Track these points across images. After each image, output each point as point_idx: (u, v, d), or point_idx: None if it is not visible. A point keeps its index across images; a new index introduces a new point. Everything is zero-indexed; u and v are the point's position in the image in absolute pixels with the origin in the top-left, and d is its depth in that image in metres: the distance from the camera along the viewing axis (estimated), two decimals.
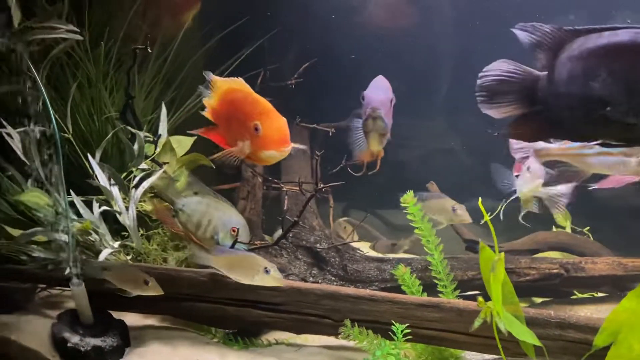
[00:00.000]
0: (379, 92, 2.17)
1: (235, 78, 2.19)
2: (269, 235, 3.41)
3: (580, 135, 1.90)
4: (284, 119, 2.08)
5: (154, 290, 2.40)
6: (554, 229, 3.39)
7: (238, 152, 2.15)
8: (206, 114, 2.26)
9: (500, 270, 1.97)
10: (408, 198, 2.74)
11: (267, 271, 2.33)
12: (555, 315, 2.29)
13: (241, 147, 2.12)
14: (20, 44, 2.22)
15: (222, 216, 2.52)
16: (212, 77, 2.22)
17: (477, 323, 1.96)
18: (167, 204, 2.60)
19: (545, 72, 1.85)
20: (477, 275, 2.98)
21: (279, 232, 3.56)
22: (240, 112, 2.13)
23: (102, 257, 2.45)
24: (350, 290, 2.48)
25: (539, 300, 3.18)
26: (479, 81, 1.91)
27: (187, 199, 2.60)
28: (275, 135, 2.06)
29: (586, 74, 1.73)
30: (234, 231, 2.48)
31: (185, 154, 3.02)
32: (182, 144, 3.03)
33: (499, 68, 1.88)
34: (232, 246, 2.51)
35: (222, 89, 2.19)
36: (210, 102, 2.24)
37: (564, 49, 1.79)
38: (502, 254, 1.98)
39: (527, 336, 2.10)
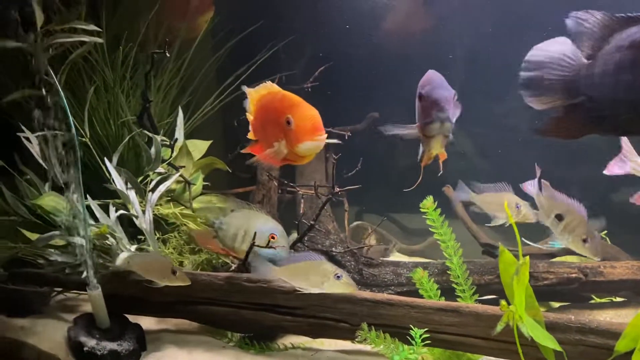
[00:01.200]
0: (442, 90, 1.92)
1: (264, 82, 2.15)
2: None
3: (626, 130, 1.78)
4: (315, 110, 2.02)
5: (181, 280, 2.37)
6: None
7: (275, 153, 2.09)
8: (250, 133, 2.22)
9: (525, 274, 1.95)
10: (428, 203, 2.73)
11: (338, 277, 2.24)
12: (576, 320, 2.26)
13: (277, 148, 2.07)
14: (40, 49, 2.23)
15: (258, 225, 2.48)
16: (247, 90, 2.18)
17: (500, 327, 1.94)
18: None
19: (591, 61, 1.71)
20: (494, 280, 2.96)
21: (293, 235, 3.56)
22: (272, 112, 2.09)
23: (118, 261, 2.45)
24: (367, 294, 2.47)
25: (556, 304, 3.15)
26: (523, 64, 1.77)
27: (222, 218, 2.55)
28: (308, 124, 1.98)
29: (635, 65, 1.60)
30: (272, 238, 2.44)
31: (201, 158, 3.03)
32: (198, 147, 3.04)
33: (547, 49, 1.74)
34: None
35: (255, 98, 2.16)
36: (250, 117, 2.20)
37: (612, 37, 1.67)
38: (527, 257, 1.96)
39: (548, 341, 2.07)
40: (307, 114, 2.00)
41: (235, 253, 2.49)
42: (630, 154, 2.31)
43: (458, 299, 2.72)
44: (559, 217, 2.11)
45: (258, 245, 2.47)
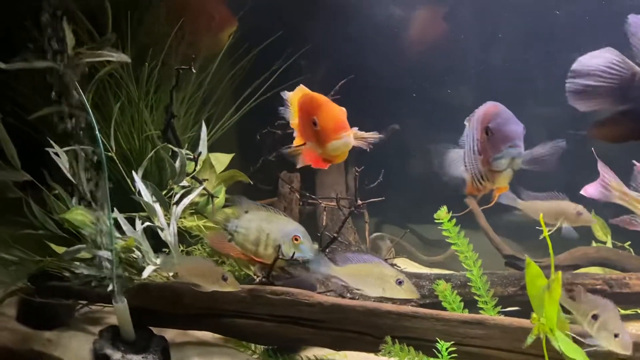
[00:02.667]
0: (513, 125, 1.87)
1: (298, 86, 2.19)
2: None
3: None
4: (342, 108, 2.03)
5: (232, 286, 2.35)
6: (594, 244, 3.33)
7: (307, 148, 2.14)
8: (296, 138, 2.24)
9: (557, 288, 1.94)
10: (442, 214, 2.73)
11: (399, 282, 2.22)
12: None
13: (309, 148, 2.11)
14: (70, 68, 2.27)
15: (280, 227, 2.41)
16: (287, 94, 2.20)
17: (530, 340, 1.94)
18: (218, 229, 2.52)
19: None
20: (517, 292, 2.95)
21: (314, 246, 3.57)
22: (305, 114, 2.12)
23: (145, 274, 2.48)
24: (391, 306, 2.46)
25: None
26: (573, 66, 1.77)
27: (238, 220, 2.49)
28: (331, 124, 2.00)
29: None
30: (296, 239, 2.38)
31: (223, 171, 3.06)
32: (221, 160, 3.07)
33: (600, 56, 1.75)
34: (292, 256, 2.42)
35: (294, 102, 2.18)
36: (294, 122, 2.22)
37: None
38: (559, 272, 1.95)
39: (577, 354, 2.06)
40: (330, 113, 2.02)
41: (259, 258, 2.44)
42: (613, 182, 2.23)
43: (481, 311, 2.71)
44: (594, 317, 2.13)
45: (282, 257, 2.45)
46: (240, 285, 2.57)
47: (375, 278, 2.26)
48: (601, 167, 2.20)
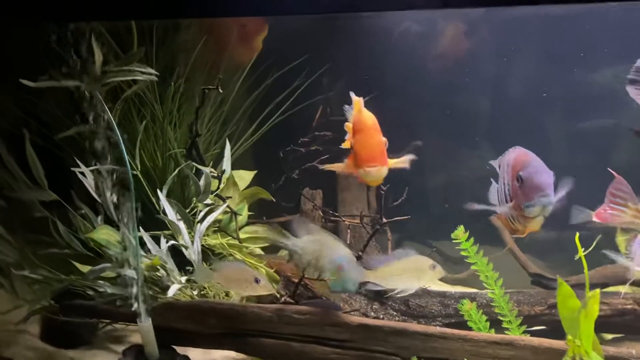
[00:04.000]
0: (544, 174, 1.94)
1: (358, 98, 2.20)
2: None
3: None
4: (378, 138, 2.06)
5: (265, 289, 2.34)
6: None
7: (342, 168, 2.16)
8: (347, 141, 2.24)
9: (595, 307, 1.91)
10: (459, 233, 2.71)
11: (433, 267, 2.27)
12: (638, 353, 2.20)
13: (346, 164, 2.14)
14: (97, 87, 2.29)
15: (330, 253, 2.32)
16: (354, 97, 2.21)
17: None
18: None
19: None
20: (544, 311, 2.90)
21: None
22: (353, 130, 2.15)
23: (171, 292, 2.47)
24: (419, 327, 2.43)
25: (609, 336, 3.06)
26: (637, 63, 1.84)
27: (297, 240, 2.40)
28: (362, 153, 2.04)
29: None
30: (339, 268, 2.27)
31: (246, 188, 3.06)
32: (243, 178, 3.07)
33: None
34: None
35: (356, 109, 2.20)
36: (349, 125, 2.24)
37: None
38: (597, 290, 1.92)
39: None
40: (364, 141, 2.05)
41: (310, 281, 2.41)
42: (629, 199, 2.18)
43: (506, 332, 2.67)
44: None
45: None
46: (266, 305, 2.57)
47: (410, 272, 2.27)
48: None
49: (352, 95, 2.22)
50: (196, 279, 2.50)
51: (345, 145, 2.23)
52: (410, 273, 2.27)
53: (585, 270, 2.02)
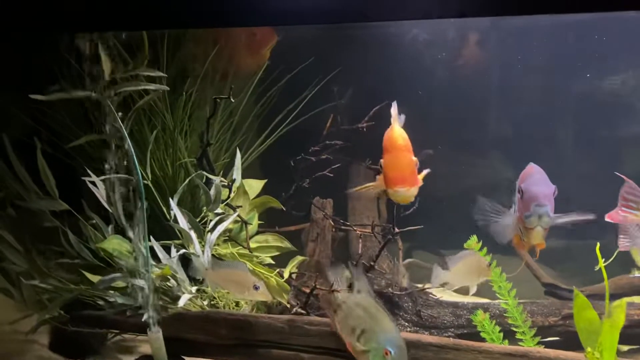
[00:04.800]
0: (542, 186, 2.00)
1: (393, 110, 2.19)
2: None
3: None
4: (408, 159, 2.05)
5: (263, 296, 2.29)
6: (636, 272, 3.23)
7: (374, 187, 2.16)
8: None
9: (621, 317, 1.88)
10: (472, 243, 2.70)
11: (488, 265, 2.33)
12: None
13: (378, 183, 2.12)
14: (107, 97, 2.29)
15: (377, 330, 2.05)
16: (395, 109, 2.20)
17: None
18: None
19: None
20: (558, 322, 2.87)
21: (346, 273, 3.51)
22: (383, 146, 2.14)
23: (181, 302, 2.45)
24: (432, 338, 2.41)
25: (625, 348, 3.02)
26: None
27: (347, 295, 2.23)
28: (390, 173, 2.03)
29: None
30: (386, 354, 1.96)
31: (256, 197, 3.04)
32: (253, 187, 3.05)
33: None
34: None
35: (394, 120, 2.19)
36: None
37: None
38: (624, 300, 1.90)
39: None
40: (393, 162, 2.04)
41: (349, 347, 2.14)
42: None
43: (520, 343, 2.64)
44: None
45: None
46: (277, 316, 2.55)
47: (473, 271, 2.33)
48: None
49: (393, 109, 2.19)
50: (191, 272, 2.47)
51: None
52: (473, 271, 2.34)
53: (606, 280, 2.00)
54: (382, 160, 2.08)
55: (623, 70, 3.32)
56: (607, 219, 2.23)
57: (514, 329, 2.65)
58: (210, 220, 2.72)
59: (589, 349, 1.92)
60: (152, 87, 2.38)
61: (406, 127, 2.19)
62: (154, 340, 2.47)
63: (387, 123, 3.03)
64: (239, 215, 2.78)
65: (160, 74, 2.38)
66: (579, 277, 3.42)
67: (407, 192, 2.03)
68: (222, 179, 2.76)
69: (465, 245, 2.69)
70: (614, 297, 3.00)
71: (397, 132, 2.14)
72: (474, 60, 3.42)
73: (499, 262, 2.76)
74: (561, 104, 3.45)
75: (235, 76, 3.11)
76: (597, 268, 2.00)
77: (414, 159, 2.09)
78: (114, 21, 2.11)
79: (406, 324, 2.92)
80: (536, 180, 2.02)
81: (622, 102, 3.38)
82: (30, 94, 2.37)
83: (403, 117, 2.22)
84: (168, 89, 2.47)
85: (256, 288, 2.30)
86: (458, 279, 2.41)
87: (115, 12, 2.05)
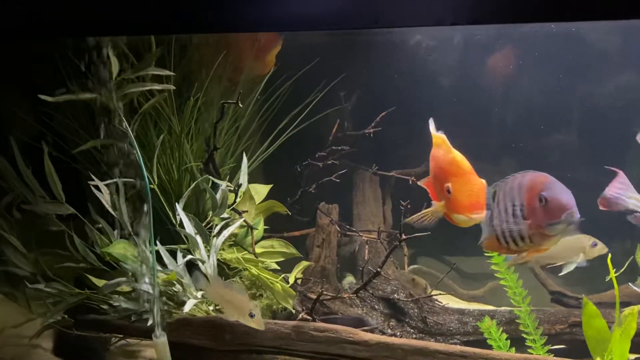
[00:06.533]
0: (568, 194, 1.95)
1: (439, 133, 2.08)
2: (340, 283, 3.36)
3: None
4: (480, 183, 1.94)
5: (256, 324, 2.29)
6: None
7: (432, 214, 2.05)
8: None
9: (632, 325, 1.87)
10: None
11: (594, 245, 2.31)
12: None
13: (435, 208, 2.03)
14: (114, 100, 2.28)
15: None
16: (433, 130, 2.10)
17: None
18: None
19: None
20: (565, 329, 2.85)
21: (348, 278, 3.50)
22: (439, 170, 2.03)
23: (187, 308, 2.43)
24: (439, 345, 2.39)
25: (632, 356, 3.01)
26: None
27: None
28: (465, 200, 1.91)
29: None
30: None
31: (261, 202, 3.03)
32: (259, 191, 3.04)
33: None
34: None
35: (438, 145, 2.09)
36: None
37: None
38: (636, 307, 1.89)
39: None
40: (467, 188, 1.94)
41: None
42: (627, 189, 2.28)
43: (529, 350, 2.63)
44: None
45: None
46: (283, 322, 2.54)
47: (572, 249, 2.30)
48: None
49: (432, 126, 2.10)
50: (192, 283, 2.46)
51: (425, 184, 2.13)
52: (572, 249, 2.30)
53: (616, 289, 1.98)
54: (448, 185, 1.94)
55: None
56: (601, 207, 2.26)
57: (525, 336, 2.63)
58: (216, 225, 2.71)
59: (599, 358, 1.91)
60: (157, 86, 2.37)
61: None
62: (159, 345, 2.45)
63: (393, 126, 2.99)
64: (244, 220, 2.77)
65: (169, 72, 2.36)
66: (584, 285, 3.41)
67: (480, 217, 1.93)
68: (228, 183, 2.75)
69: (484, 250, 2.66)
70: (622, 305, 3.01)
71: (457, 154, 2.02)
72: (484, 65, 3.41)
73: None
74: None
75: (243, 80, 3.11)
76: (607, 279, 1.98)
77: (483, 181, 1.98)
78: (122, 26, 2.10)
79: (412, 330, 2.91)
80: (561, 189, 1.97)
81: None
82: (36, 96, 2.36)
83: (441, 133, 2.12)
84: (174, 88, 2.46)
85: (252, 316, 2.30)
86: (558, 255, 2.36)
87: (123, 17, 2.04)
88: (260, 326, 2.30)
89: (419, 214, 2.08)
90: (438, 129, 2.12)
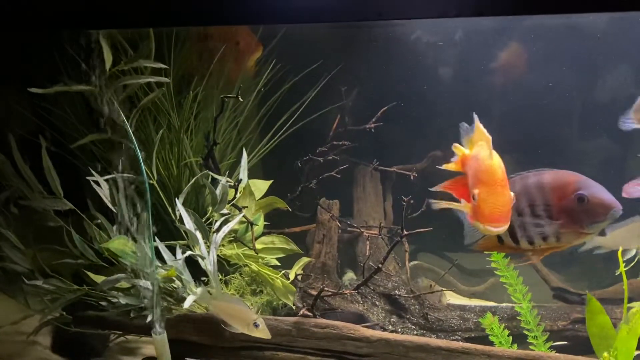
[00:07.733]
0: (607, 192, 1.95)
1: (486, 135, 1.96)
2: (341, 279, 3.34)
3: None
4: (508, 196, 1.85)
5: (262, 333, 2.28)
6: None
7: (458, 208, 1.99)
8: (454, 163, 2.05)
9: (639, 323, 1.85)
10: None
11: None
12: None
13: (462, 207, 1.95)
14: (109, 93, 2.25)
15: None
16: (477, 121, 1.99)
17: None
18: None
19: None
20: (567, 326, 2.84)
21: (349, 274, 3.48)
22: (472, 174, 1.94)
23: (186, 304, 2.41)
24: (441, 342, 2.37)
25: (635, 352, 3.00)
26: None
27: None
28: (487, 211, 1.83)
29: None
30: None
31: (261, 197, 3.00)
32: (259, 187, 3.02)
33: None
34: None
35: (476, 140, 1.98)
36: (462, 150, 2.03)
37: None
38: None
39: None
40: (492, 200, 1.84)
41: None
42: None
43: (531, 347, 2.61)
44: None
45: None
46: (283, 318, 2.52)
47: (636, 235, 2.27)
48: None
49: (476, 121, 1.99)
50: (197, 298, 2.45)
51: (449, 167, 2.04)
52: (634, 236, 2.27)
53: (625, 285, 1.96)
54: (475, 192, 1.85)
55: None
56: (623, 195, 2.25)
57: (527, 333, 2.62)
58: (216, 221, 2.68)
59: (605, 354, 1.89)
60: (152, 79, 2.34)
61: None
62: (159, 342, 2.43)
63: (395, 124, 2.96)
64: (244, 216, 2.74)
65: (163, 65, 2.33)
66: (585, 281, 3.39)
67: (500, 230, 1.86)
68: (228, 179, 2.72)
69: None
70: (622, 301, 3.00)
71: (497, 162, 1.91)
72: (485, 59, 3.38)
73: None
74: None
75: (243, 75, 3.08)
76: (617, 272, 1.96)
77: (512, 194, 1.90)
78: (120, 19, 2.07)
79: (413, 326, 2.88)
80: (599, 187, 1.96)
81: None
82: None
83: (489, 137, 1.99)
84: (169, 80, 2.43)
85: (256, 325, 2.30)
86: (615, 241, 2.31)
87: (119, 9, 2.01)
88: (266, 335, 2.30)
89: (449, 203, 2.00)
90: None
